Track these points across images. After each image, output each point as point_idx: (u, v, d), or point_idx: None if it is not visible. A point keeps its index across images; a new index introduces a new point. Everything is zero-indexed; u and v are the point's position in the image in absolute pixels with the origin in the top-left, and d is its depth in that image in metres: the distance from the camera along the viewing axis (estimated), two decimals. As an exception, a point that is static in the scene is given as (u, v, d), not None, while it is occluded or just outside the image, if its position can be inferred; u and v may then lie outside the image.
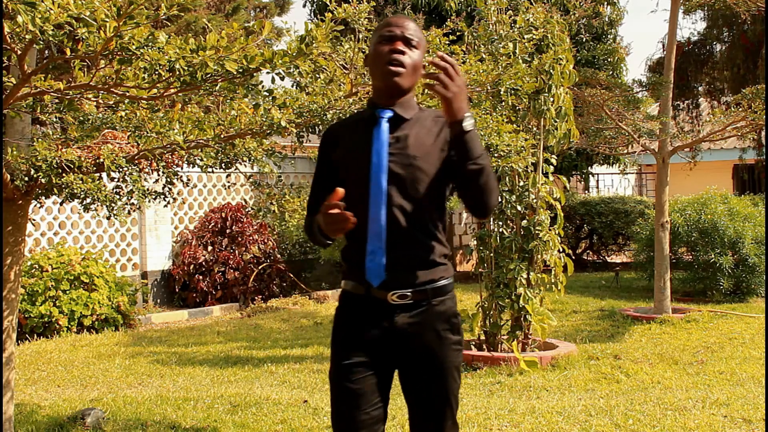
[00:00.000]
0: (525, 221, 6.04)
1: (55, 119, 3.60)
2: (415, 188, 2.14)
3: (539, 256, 6.03)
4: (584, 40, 11.78)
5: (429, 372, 2.16)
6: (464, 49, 4.20)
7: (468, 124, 2.04)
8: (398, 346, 2.15)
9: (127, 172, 3.51)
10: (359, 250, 2.14)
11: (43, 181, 3.16)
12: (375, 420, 2.15)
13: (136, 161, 3.45)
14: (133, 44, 2.27)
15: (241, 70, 2.42)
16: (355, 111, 2.40)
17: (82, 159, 3.22)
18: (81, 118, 3.46)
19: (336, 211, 1.99)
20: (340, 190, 1.99)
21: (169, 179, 3.72)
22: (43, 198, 3.43)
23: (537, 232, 6.00)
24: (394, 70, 2.12)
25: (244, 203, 10.65)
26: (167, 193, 3.81)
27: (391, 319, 2.14)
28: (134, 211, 3.80)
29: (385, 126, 2.16)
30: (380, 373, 2.17)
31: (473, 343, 6.24)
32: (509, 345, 5.99)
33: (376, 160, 2.12)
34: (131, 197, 3.62)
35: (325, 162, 2.29)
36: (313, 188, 2.32)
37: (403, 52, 2.12)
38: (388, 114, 2.18)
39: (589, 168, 13.38)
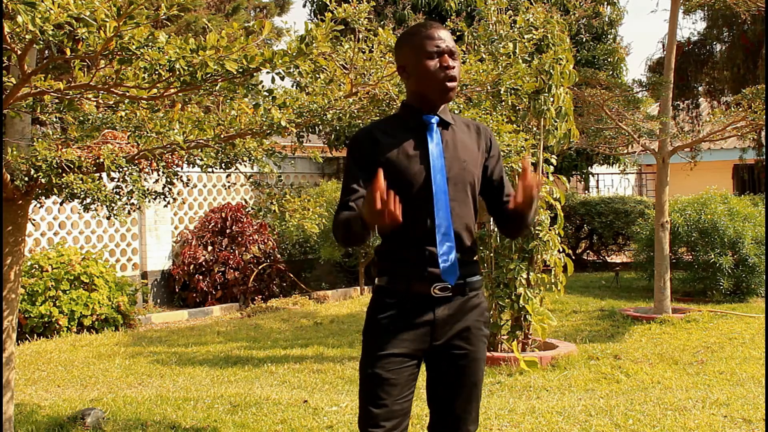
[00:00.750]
0: (525, 221, 6.03)
1: (55, 119, 3.60)
2: (464, 189, 2.28)
3: (539, 256, 6.03)
4: (584, 40, 11.78)
5: (463, 363, 2.27)
6: (464, 49, 4.21)
7: (533, 211, 2.23)
8: (435, 337, 2.24)
9: (127, 172, 3.51)
10: (416, 250, 2.22)
11: (43, 181, 3.16)
12: (405, 411, 2.24)
13: (136, 161, 3.45)
14: (133, 44, 2.27)
15: (241, 70, 2.42)
16: (386, 115, 2.49)
17: (82, 159, 3.22)
18: (81, 118, 3.46)
19: (381, 202, 2.00)
20: (381, 175, 2.01)
21: (169, 179, 3.72)
22: (43, 198, 3.43)
23: (537, 232, 6.00)
24: (450, 86, 2.24)
25: (244, 203, 10.65)
26: (167, 193, 3.81)
27: (431, 312, 2.23)
28: (134, 211, 3.80)
29: (437, 130, 2.27)
30: (414, 366, 2.26)
31: (473, 343, 6.24)
32: (509, 345, 5.99)
33: (435, 162, 2.22)
34: (131, 197, 3.62)
35: (365, 163, 2.27)
36: (351, 188, 2.28)
37: (454, 67, 2.24)
38: (436, 119, 2.28)
39: (589, 168, 13.38)
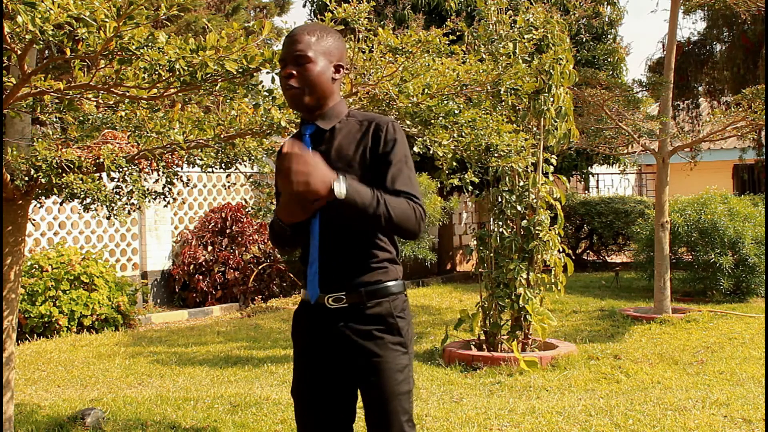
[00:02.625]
0: (525, 221, 6.04)
1: (55, 119, 3.60)
2: None
3: (539, 256, 6.03)
4: (584, 40, 11.78)
5: (371, 375, 2.14)
6: (464, 49, 4.20)
7: (339, 192, 1.98)
8: (341, 351, 2.16)
9: (127, 172, 3.51)
10: (303, 262, 2.22)
11: (43, 181, 3.16)
12: (341, 429, 2.21)
13: (136, 161, 3.45)
14: (133, 44, 2.27)
15: (241, 70, 2.42)
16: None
17: (82, 159, 3.22)
18: (81, 118, 3.46)
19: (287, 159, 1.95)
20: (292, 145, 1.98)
21: (169, 179, 3.72)
22: (43, 198, 3.43)
23: (537, 232, 6.00)
24: (289, 95, 2.15)
25: (244, 203, 10.65)
26: (167, 193, 3.81)
27: (330, 324, 2.16)
28: (134, 211, 3.80)
29: (307, 141, 2.19)
30: (334, 381, 2.19)
31: (473, 343, 6.24)
32: (509, 345, 5.99)
33: None
34: (131, 197, 3.62)
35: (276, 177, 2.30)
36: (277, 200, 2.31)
37: (291, 75, 2.13)
38: (310, 129, 2.20)
39: (589, 168, 13.37)
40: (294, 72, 2.13)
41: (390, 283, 2.20)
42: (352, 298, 2.15)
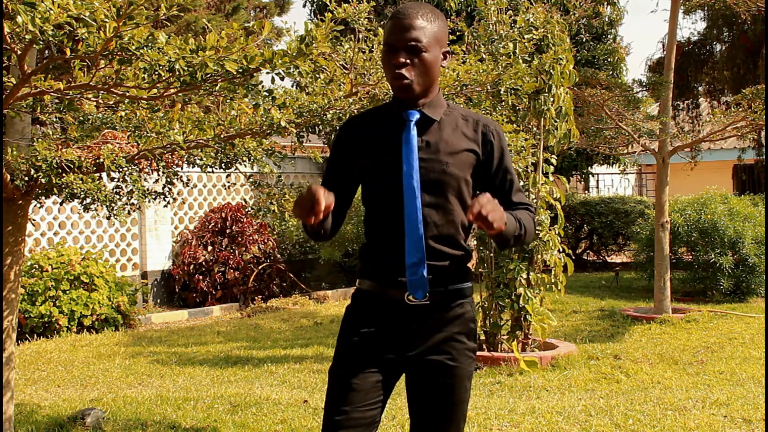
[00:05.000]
0: (525, 221, 6.04)
1: (55, 119, 3.60)
2: (447, 195, 2.07)
3: (539, 256, 6.03)
4: (584, 40, 11.78)
5: (440, 378, 2.08)
6: (464, 49, 4.21)
7: (508, 232, 2.01)
8: (410, 347, 2.08)
9: (127, 172, 3.51)
10: (391, 258, 2.07)
11: (43, 181, 3.16)
12: (369, 420, 2.07)
13: (136, 161, 3.45)
14: (133, 44, 2.27)
15: (241, 70, 2.42)
16: (374, 106, 2.32)
17: (82, 159, 3.22)
18: (81, 118, 3.46)
19: (315, 204, 1.89)
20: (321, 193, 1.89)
21: (169, 179, 3.72)
22: (43, 198, 3.43)
23: (537, 232, 6.00)
24: (400, 85, 2.03)
25: (244, 203, 10.65)
26: (167, 193, 3.81)
27: (406, 321, 2.07)
28: (134, 211, 3.80)
29: (414, 129, 2.06)
30: (384, 374, 2.09)
31: (473, 343, 6.24)
32: (509, 345, 5.99)
33: (407, 168, 2.03)
34: (131, 197, 3.62)
35: (342, 157, 2.18)
36: (324, 183, 2.17)
37: (405, 65, 2.01)
38: (416, 116, 2.07)
39: (589, 168, 13.38)
40: (408, 61, 2.02)
41: (468, 285, 2.15)
42: (435, 297, 2.06)
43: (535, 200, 6.04)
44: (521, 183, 6.05)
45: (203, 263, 9.70)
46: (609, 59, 11.60)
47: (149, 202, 3.74)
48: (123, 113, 3.37)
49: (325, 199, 1.89)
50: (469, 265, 2.17)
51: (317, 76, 3.27)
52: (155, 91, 2.53)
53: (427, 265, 2.04)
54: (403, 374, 2.17)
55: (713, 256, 8.74)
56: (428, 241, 2.05)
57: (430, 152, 2.06)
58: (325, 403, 2.13)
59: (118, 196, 3.59)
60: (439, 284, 2.07)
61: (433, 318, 2.07)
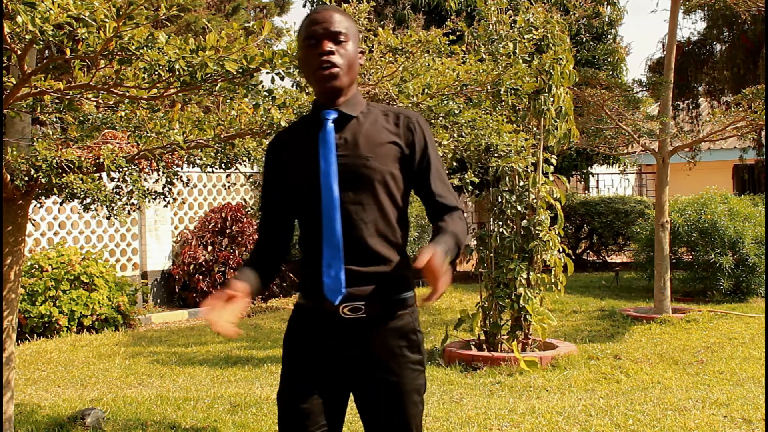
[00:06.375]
0: (525, 221, 6.04)
1: (55, 119, 3.60)
2: (373, 191, 1.97)
3: (539, 256, 6.03)
4: (584, 40, 11.78)
5: (385, 394, 1.97)
6: (464, 49, 4.20)
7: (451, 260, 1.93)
8: (351, 364, 1.98)
9: (127, 172, 3.51)
10: (314, 263, 1.97)
11: (43, 181, 3.16)
12: None
13: (136, 161, 3.45)
14: (133, 44, 2.27)
15: (241, 70, 2.42)
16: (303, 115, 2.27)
17: (82, 159, 3.22)
18: (81, 118, 3.46)
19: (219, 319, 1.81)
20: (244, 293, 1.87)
21: (169, 179, 3.72)
22: (43, 198, 3.43)
23: (537, 232, 6.00)
24: (327, 74, 1.94)
25: (244, 203, 10.65)
26: (167, 193, 3.81)
27: (343, 336, 1.96)
28: (134, 211, 3.80)
29: (330, 127, 1.99)
30: (331, 394, 2.00)
31: (473, 343, 6.24)
32: (509, 345, 5.99)
33: (324, 166, 1.95)
34: (131, 197, 3.62)
35: (274, 177, 2.09)
36: (262, 209, 2.11)
37: (332, 52, 1.94)
38: (333, 115, 2.00)
39: (589, 168, 13.38)
40: (333, 49, 1.95)
41: (410, 294, 2.04)
42: (371, 309, 1.96)
43: (535, 200, 6.04)
44: (521, 183, 6.06)
45: (203, 263, 9.70)
46: (609, 59, 11.60)
47: (149, 202, 3.74)
48: (123, 113, 3.37)
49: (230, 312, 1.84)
50: (406, 272, 2.04)
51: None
52: (155, 91, 2.53)
53: (364, 272, 1.95)
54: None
55: (713, 256, 8.74)
56: (361, 240, 1.95)
57: (349, 148, 1.98)
58: (279, 429, 2.05)
59: (118, 196, 3.59)
60: (377, 295, 1.96)
61: (372, 332, 1.97)
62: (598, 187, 17.13)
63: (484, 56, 4.48)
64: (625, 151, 9.06)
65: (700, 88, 13.52)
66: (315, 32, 1.95)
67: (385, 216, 1.98)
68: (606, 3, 12.07)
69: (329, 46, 1.94)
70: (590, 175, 14.73)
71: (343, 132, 2.00)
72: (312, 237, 1.98)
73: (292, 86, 4.73)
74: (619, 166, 12.76)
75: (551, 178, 6.17)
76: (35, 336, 7.48)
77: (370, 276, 1.96)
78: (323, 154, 1.97)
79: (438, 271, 1.79)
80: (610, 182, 17.52)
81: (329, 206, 1.94)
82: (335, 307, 1.95)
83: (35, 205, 4.01)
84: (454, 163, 4.00)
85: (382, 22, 10.18)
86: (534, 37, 5.77)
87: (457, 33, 5.80)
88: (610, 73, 10.98)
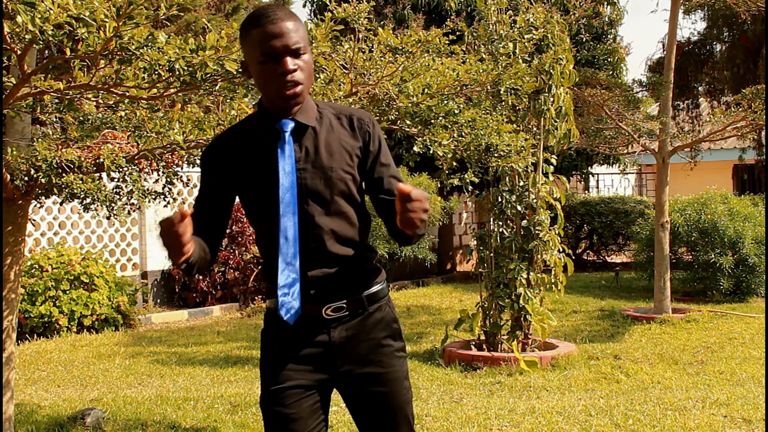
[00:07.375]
0: (525, 221, 6.04)
1: (55, 119, 3.60)
2: (337, 199, 1.96)
3: (539, 256, 6.03)
4: (584, 40, 11.78)
5: (377, 388, 2.01)
6: (464, 49, 4.20)
7: (417, 237, 1.91)
8: (337, 362, 1.99)
9: (127, 172, 3.51)
10: (274, 275, 1.95)
11: (43, 181, 3.17)
12: None
13: (136, 161, 3.45)
14: (133, 44, 2.28)
15: (240, 70, 2.42)
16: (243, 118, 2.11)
17: (82, 159, 3.22)
18: (81, 118, 3.46)
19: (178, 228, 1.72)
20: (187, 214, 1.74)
21: (169, 179, 3.72)
22: (43, 198, 3.43)
23: (537, 232, 6.00)
24: (292, 93, 1.89)
25: (244, 203, 10.65)
26: (167, 193, 3.81)
27: (326, 335, 1.98)
28: (134, 211, 3.80)
29: (289, 139, 1.94)
30: (317, 394, 2.00)
31: (473, 343, 6.24)
32: (509, 345, 5.99)
33: (285, 181, 1.91)
34: (131, 197, 3.62)
35: (213, 178, 2.03)
36: (196, 207, 2.06)
37: (296, 69, 1.87)
38: (290, 125, 1.94)
39: (589, 168, 13.38)
40: (296, 67, 1.88)
41: (383, 285, 2.07)
42: (353, 305, 1.99)
43: (535, 200, 6.04)
44: (521, 183, 6.06)
45: (203, 263, 9.69)
46: (609, 59, 11.60)
47: (149, 202, 3.74)
48: (123, 113, 3.37)
49: (184, 228, 1.74)
50: (375, 264, 2.07)
51: (317, 76, 3.27)
52: (155, 91, 2.53)
53: (336, 274, 1.97)
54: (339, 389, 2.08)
55: (713, 256, 8.74)
56: (331, 249, 1.95)
57: (309, 161, 1.95)
58: None
59: (118, 196, 3.59)
60: (352, 292, 1.99)
61: (356, 329, 2.00)
62: (598, 187, 17.13)
63: (484, 56, 4.48)
64: (625, 151, 9.06)
65: (700, 88, 13.52)
66: (274, 49, 1.85)
67: (349, 220, 2.00)
68: (606, 3, 12.07)
69: (292, 63, 1.87)
70: (590, 175, 14.73)
71: (302, 142, 1.96)
72: (270, 252, 1.96)
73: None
74: (619, 166, 12.76)
75: (551, 178, 6.17)
76: (35, 336, 7.48)
77: (338, 278, 1.98)
78: (283, 168, 1.93)
79: (415, 193, 1.76)
80: (610, 182, 17.53)
81: (287, 223, 1.92)
82: (317, 309, 1.96)
83: (35, 205, 4.02)
84: (454, 163, 3.99)
85: (382, 22, 10.18)
86: (534, 37, 5.77)
87: (457, 33, 5.80)
88: (610, 73, 10.98)
